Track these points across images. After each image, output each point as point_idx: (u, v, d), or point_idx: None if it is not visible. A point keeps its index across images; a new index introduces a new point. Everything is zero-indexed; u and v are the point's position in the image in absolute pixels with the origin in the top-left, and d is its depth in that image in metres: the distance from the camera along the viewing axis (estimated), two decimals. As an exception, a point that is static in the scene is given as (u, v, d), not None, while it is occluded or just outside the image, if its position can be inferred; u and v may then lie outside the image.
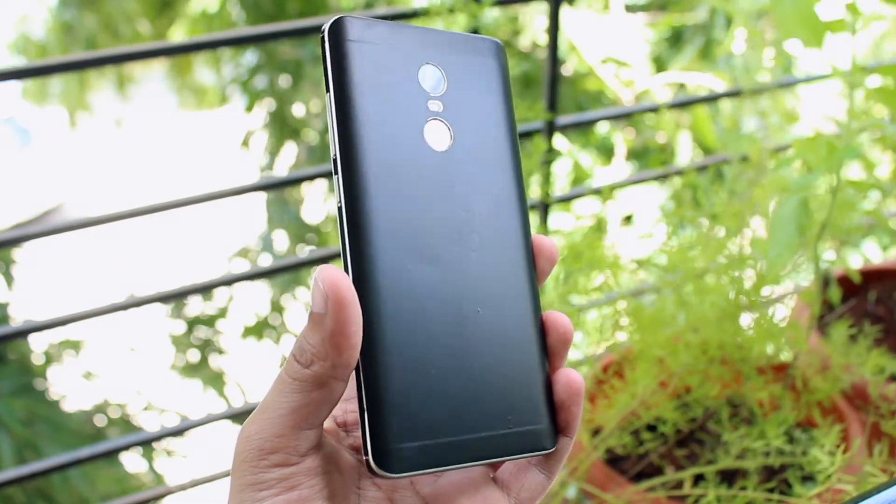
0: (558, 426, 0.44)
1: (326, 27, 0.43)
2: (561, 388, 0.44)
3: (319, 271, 0.39)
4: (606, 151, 2.30)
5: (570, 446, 0.45)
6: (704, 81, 1.86)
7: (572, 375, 0.44)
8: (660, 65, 2.35)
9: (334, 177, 0.42)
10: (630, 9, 2.43)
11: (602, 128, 2.31)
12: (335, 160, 0.42)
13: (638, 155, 2.32)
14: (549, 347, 0.45)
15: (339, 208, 0.41)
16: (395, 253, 0.41)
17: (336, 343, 0.38)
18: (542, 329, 0.45)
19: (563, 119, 1.25)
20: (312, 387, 0.39)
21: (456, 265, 0.43)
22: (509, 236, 0.45)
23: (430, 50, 0.45)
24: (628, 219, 1.98)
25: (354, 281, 0.40)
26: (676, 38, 2.41)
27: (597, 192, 1.28)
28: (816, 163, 0.83)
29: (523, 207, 0.46)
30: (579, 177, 2.24)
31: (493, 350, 0.43)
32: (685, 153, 2.06)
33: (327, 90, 0.42)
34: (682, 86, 2.10)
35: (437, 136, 0.44)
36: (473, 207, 0.44)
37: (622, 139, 2.25)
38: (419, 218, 0.42)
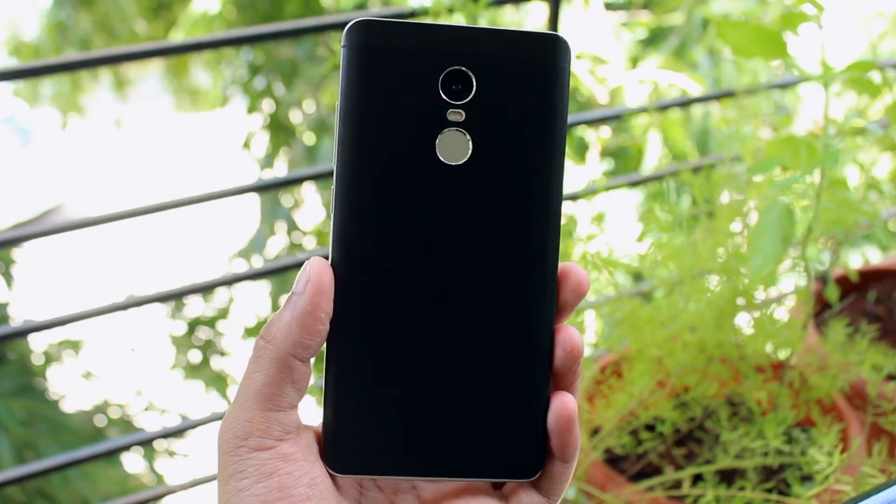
0: (553, 453, 0.42)
1: (343, 32, 0.41)
2: (551, 415, 0.42)
3: (311, 259, 0.41)
4: (580, 149, 2.28)
5: (567, 472, 0.43)
6: (679, 81, 1.87)
7: (564, 402, 0.42)
8: (635, 65, 2.34)
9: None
10: (610, 6, 2.42)
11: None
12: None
13: (614, 154, 2.31)
14: (555, 364, 0.42)
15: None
16: (376, 265, 0.41)
17: (302, 322, 0.40)
18: (550, 354, 0.42)
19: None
20: (271, 363, 0.40)
21: (445, 282, 0.41)
22: (522, 259, 0.41)
23: (460, 52, 0.41)
24: (599, 218, 1.97)
25: (336, 285, 0.41)
26: (652, 39, 2.41)
27: (590, 193, 1.28)
28: (793, 165, 0.82)
29: (547, 226, 0.42)
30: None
31: (477, 372, 0.42)
32: (654, 155, 2.06)
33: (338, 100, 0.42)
34: (655, 85, 2.10)
35: (453, 148, 0.41)
36: (481, 224, 0.41)
37: (596, 139, 2.24)
38: (407, 233, 0.41)
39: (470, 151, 0.41)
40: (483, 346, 0.42)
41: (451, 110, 0.41)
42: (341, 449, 0.42)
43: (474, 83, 0.41)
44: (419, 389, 0.42)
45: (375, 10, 2.40)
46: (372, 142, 0.41)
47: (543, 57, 0.41)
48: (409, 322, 0.41)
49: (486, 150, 0.41)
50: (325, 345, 0.42)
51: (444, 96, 0.41)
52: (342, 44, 0.41)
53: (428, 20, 0.97)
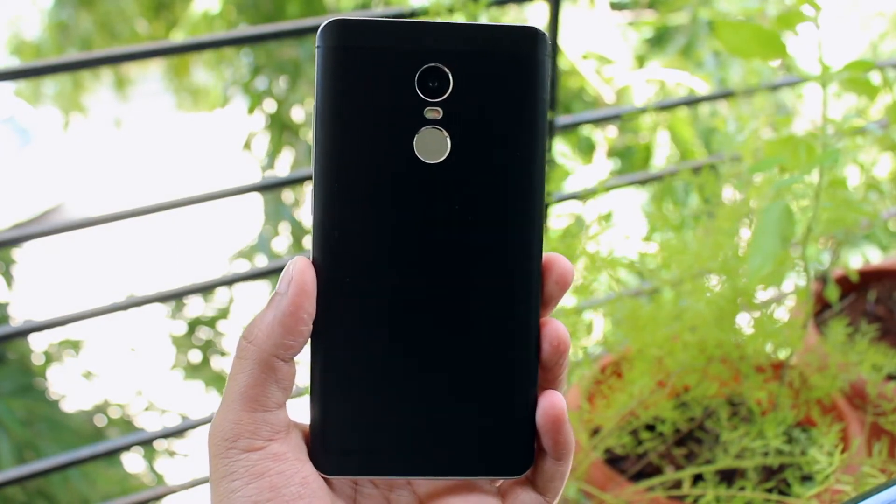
0: (545, 451, 0.42)
1: (317, 33, 0.41)
2: (540, 414, 0.41)
3: (294, 259, 0.41)
4: (587, 149, 2.28)
5: (562, 470, 0.42)
6: (685, 80, 1.87)
7: (553, 400, 0.41)
8: (641, 64, 2.34)
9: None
10: (615, 6, 2.42)
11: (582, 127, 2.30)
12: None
13: (620, 154, 2.31)
14: (542, 358, 0.42)
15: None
16: (358, 265, 0.41)
17: (285, 322, 0.40)
18: (537, 350, 0.42)
19: (562, 119, 1.25)
20: (254, 364, 0.40)
21: (428, 280, 0.41)
22: (506, 254, 0.41)
23: (436, 48, 0.40)
24: (606, 217, 1.97)
25: (318, 287, 0.41)
26: (659, 38, 2.40)
27: (592, 192, 1.28)
28: (792, 165, 0.82)
29: (530, 221, 0.41)
30: (558, 175, 2.21)
31: (463, 370, 0.41)
32: (663, 154, 2.06)
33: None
34: (662, 84, 2.10)
35: (431, 146, 0.41)
36: (463, 220, 0.41)
37: (603, 138, 2.24)
38: (388, 232, 0.41)
39: (448, 149, 0.41)
40: (468, 343, 0.41)
41: (428, 108, 0.41)
42: (329, 450, 0.41)
43: (451, 80, 0.41)
44: (404, 388, 0.41)
45: (378, 10, 2.40)
46: (350, 142, 0.40)
47: (521, 50, 0.41)
48: (392, 321, 0.41)
49: (465, 146, 0.41)
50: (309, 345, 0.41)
51: (420, 94, 0.40)
52: (316, 44, 0.41)
53: (426, 20, 0.97)
